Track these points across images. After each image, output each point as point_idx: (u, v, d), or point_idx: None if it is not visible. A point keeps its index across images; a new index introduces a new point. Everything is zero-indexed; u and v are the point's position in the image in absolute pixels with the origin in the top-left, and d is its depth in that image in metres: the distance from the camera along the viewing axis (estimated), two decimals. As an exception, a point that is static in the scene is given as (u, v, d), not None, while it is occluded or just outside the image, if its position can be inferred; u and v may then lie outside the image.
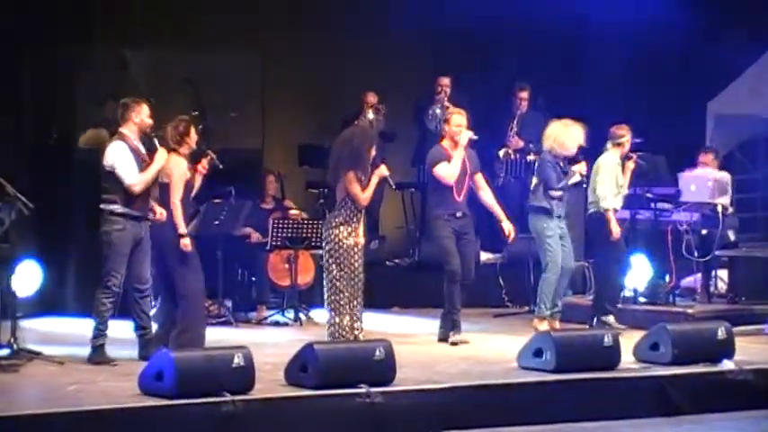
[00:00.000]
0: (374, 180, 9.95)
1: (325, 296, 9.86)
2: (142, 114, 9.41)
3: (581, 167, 11.09)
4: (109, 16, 12.71)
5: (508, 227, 10.89)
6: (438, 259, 10.69)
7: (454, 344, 10.46)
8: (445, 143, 10.70)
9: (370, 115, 13.38)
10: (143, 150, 9.43)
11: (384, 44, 14.00)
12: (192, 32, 13.19)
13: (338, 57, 13.85)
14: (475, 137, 10.76)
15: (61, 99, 12.69)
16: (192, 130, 9.65)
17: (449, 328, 10.59)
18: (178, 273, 9.45)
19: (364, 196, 9.86)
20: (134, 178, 9.27)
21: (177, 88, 12.21)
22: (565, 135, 11.00)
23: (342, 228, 9.79)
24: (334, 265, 9.79)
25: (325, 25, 13.85)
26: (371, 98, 13.51)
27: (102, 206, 9.38)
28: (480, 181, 10.87)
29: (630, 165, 11.34)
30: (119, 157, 9.29)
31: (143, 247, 9.38)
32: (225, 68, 13.55)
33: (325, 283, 9.86)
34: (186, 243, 9.42)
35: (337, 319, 9.77)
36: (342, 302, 9.77)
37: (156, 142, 9.43)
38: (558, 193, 11.01)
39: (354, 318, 9.81)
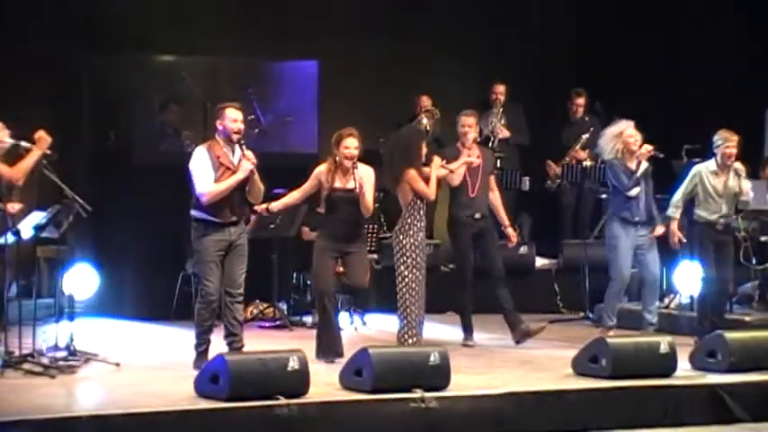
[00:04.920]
0: (433, 174, 9.98)
1: (400, 302, 9.84)
2: (226, 120, 9.07)
3: (645, 148, 10.76)
4: (166, 22, 12.79)
5: (510, 233, 10.84)
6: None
7: (464, 345, 10.58)
8: (458, 145, 10.75)
9: (425, 120, 13.36)
10: (232, 158, 9.10)
11: (442, 49, 14.01)
12: (248, 37, 13.26)
13: (395, 61, 13.87)
14: (478, 139, 10.88)
15: (119, 104, 12.80)
16: (345, 142, 9.52)
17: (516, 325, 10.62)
18: None
19: (431, 190, 9.89)
20: (204, 187, 8.98)
21: (233, 94, 12.27)
22: (603, 143, 10.92)
23: (413, 230, 9.82)
24: (415, 270, 9.79)
25: (383, 29, 13.88)
26: (426, 102, 13.52)
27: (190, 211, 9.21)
28: (491, 182, 10.87)
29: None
30: (194, 164, 9.02)
31: (237, 251, 9.11)
32: (281, 73, 13.61)
33: (401, 289, 9.83)
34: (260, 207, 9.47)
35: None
36: (415, 307, 9.81)
37: (245, 150, 9.12)
38: (635, 191, 10.84)
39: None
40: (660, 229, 10.85)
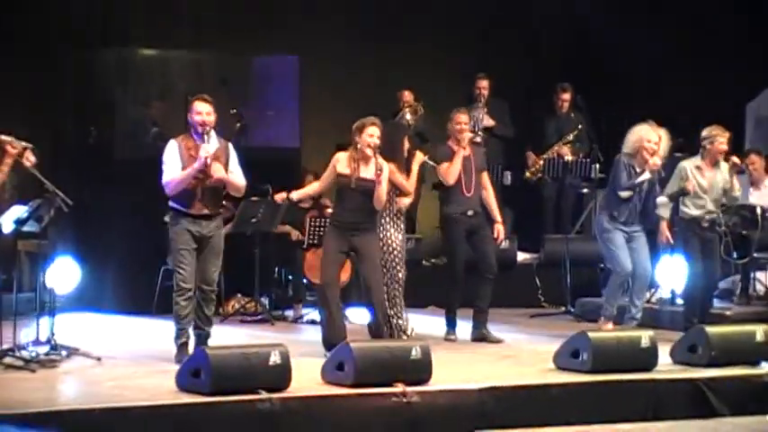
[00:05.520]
0: (415, 168, 10.00)
1: (390, 296, 9.93)
2: (192, 112, 9.09)
3: (653, 161, 10.61)
4: (148, 18, 12.77)
5: (499, 229, 10.83)
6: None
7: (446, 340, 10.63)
8: (449, 142, 10.72)
9: (408, 115, 13.40)
10: (207, 150, 8.99)
11: (424, 44, 14.02)
12: (231, 33, 13.25)
13: (377, 56, 13.88)
14: (478, 138, 10.86)
15: (101, 99, 12.79)
16: (368, 131, 9.43)
17: (483, 326, 10.65)
18: None
19: (409, 184, 9.90)
20: (166, 177, 9.07)
21: (216, 88, 12.26)
22: (629, 136, 10.86)
23: (394, 225, 9.86)
24: (399, 265, 9.92)
25: (364, 25, 13.88)
26: (408, 96, 13.53)
27: None
28: (484, 179, 10.88)
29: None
30: (164, 156, 9.11)
31: (211, 247, 9.13)
32: (263, 68, 13.61)
33: (392, 285, 9.92)
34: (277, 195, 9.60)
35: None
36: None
37: (215, 140, 9.14)
38: (627, 194, 10.82)
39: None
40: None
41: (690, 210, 10.81)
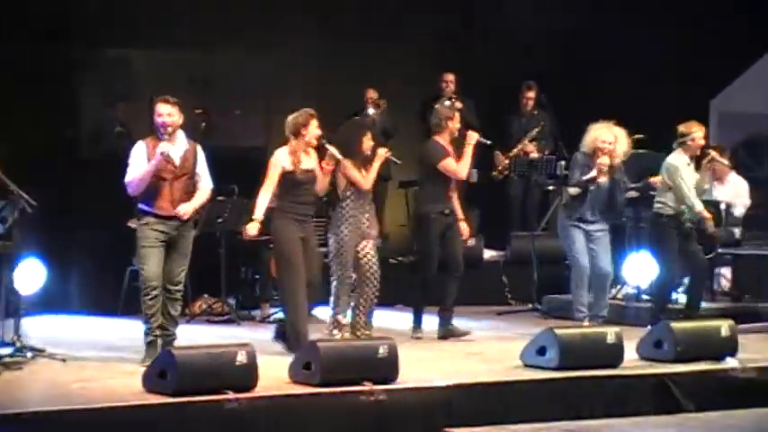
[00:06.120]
0: (376, 164, 10.00)
1: (339, 294, 9.97)
2: (154, 113, 9.08)
3: (601, 160, 10.74)
4: (112, 17, 12.72)
5: (463, 226, 10.81)
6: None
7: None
8: (441, 139, 10.67)
9: (371, 110, 13.43)
10: (178, 150, 9.03)
11: (388, 41, 14.02)
12: (196, 32, 13.21)
13: (342, 54, 13.87)
14: (488, 141, 10.87)
15: (65, 99, 12.72)
16: (313, 123, 9.56)
17: (449, 325, 10.67)
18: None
19: (366, 179, 9.91)
20: (127, 177, 9.05)
21: (182, 88, 12.22)
22: (586, 135, 10.91)
23: (340, 222, 9.90)
24: (336, 259, 9.93)
25: (330, 23, 13.87)
26: (372, 94, 13.58)
27: None
28: None
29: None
30: (132, 155, 9.10)
31: (178, 248, 9.09)
32: (229, 67, 13.57)
33: (341, 282, 9.96)
34: (249, 228, 9.44)
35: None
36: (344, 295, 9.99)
37: (183, 141, 9.13)
38: (574, 191, 10.85)
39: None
40: None
41: (672, 203, 10.85)
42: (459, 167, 10.56)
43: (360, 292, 10.03)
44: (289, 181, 9.58)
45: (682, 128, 10.90)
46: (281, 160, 9.58)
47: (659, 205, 10.87)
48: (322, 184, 9.67)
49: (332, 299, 10.03)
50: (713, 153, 11.00)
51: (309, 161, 9.63)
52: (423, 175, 10.82)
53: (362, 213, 10.02)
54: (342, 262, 9.95)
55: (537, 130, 13.78)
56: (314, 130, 9.56)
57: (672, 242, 10.83)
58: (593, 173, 10.76)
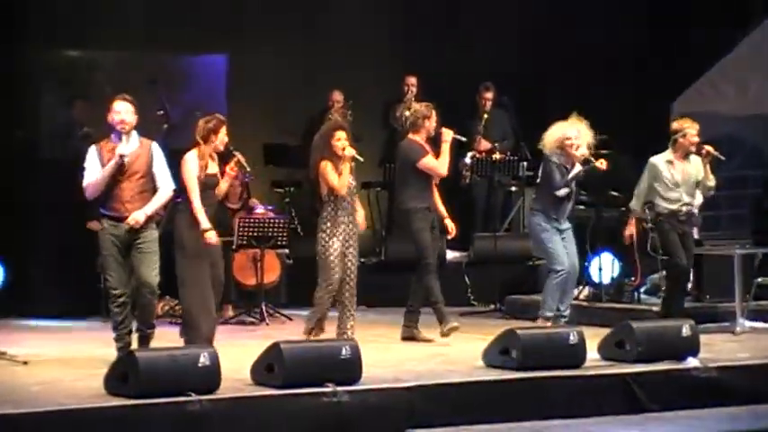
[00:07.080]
0: (345, 167, 9.96)
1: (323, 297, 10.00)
2: (111, 112, 9.01)
3: (580, 152, 10.69)
4: (73, 17, 12.66)
5: (450, 225, 10.81)
6: (413, 253, 10.60)
7: (446, 335, 10.47)
8: (419, 137, 10.61)
9: (335, 114, 13.41)
10: (128, 151, 8.94)
11: (351, 43, 14.01)
12: (158, 32, 13.16)
13: (304, 56, 13.86)
14: (463, 138, 10.89)
15: (25, 100, 12.65)
16: (223, 130, 9.56)
17: (416, 324, 10.67)
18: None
19: (338, 185, 9.89)
20: (84, 182, 9.02)
21: (142, 88, 12.17)
22: (547, 138, 10.88)
23: (325, 226, 9.94)
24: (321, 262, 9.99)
25: (292, 24, 13.85)
26: (337, 96, 13.57)
27: None
28: None
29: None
30: (86, 161, 9.06)
31: (143, 249, 9.00)
32: (190, 68, 13.53)
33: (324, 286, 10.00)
34: (209, 237, 9.39)
35: None
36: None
37: (135, 140, 9.09)
38: (564, 191, 10.84)
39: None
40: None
41: (666, 204, 10.87)
42: (440, 165, 10.54)
43: (341, 292, 10.06)
44: (203, 184, 9.58)
45: (674, 124, 10.95)
46: (192, 165, 9.53)
47: (656, 204, 10.90)
48: (221, 189, 9.71)
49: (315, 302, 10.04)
50: (708, 147, 11.00)
51: (214, 166, 9.66)
52: (402, 174, 10.73)
53: (347, 215, 10.00)
54: (326, 267, 9.95)
55: (480, 126, 13.80)
56: (223, 136, 9.61)
57: (673, 239, 10.82)
58: (578, 167, 10.70)
